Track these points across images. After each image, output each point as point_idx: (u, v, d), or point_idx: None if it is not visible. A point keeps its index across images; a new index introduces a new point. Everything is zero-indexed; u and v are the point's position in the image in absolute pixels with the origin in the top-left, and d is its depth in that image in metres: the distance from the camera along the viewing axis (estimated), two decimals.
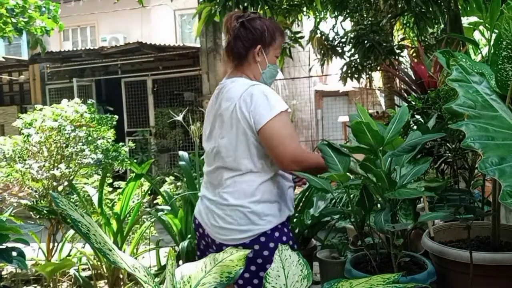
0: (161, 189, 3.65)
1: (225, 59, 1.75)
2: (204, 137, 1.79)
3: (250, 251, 1.46)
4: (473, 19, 4.10)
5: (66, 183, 3.41)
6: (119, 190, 3.55)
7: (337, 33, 5.56)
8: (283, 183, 1.70)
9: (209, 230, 1.69)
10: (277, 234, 1.63)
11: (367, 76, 5.51)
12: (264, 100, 1.56)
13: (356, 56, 5.16)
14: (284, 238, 1.65)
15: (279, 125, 1.55)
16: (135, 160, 4.42)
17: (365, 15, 5.12)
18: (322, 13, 5.17)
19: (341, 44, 5.52)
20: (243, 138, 1.59)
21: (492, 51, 1.29)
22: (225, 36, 1.73)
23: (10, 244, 1.79)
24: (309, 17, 5.30)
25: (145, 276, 0.90)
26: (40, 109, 3.50)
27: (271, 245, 1.61)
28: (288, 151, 1.55)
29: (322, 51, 5.58)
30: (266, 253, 1.61)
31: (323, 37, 5.55)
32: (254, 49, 1.66)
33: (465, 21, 4.13)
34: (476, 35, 4.65)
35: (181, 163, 3.17)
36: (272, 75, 1.73)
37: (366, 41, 4.69)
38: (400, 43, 5.39)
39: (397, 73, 2.74)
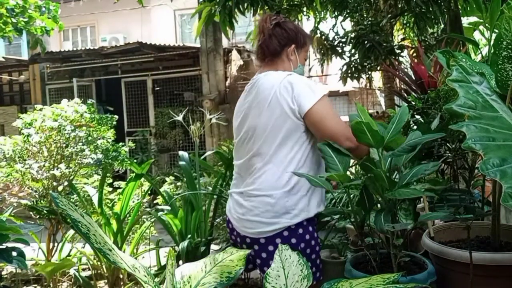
0: (161, 189, 3.65)
1: (257, 58, 1.82)
2: (234, 132, 1.83)
3: (250, 251, 1.46)
4: (473, 19, 4.11)
5: (66, 183, 3.41)
6: (119, 190, 3.55)
7: (337, 33, 5.55)
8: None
9: (235, 224, 1.70)
10: (300, 230, 1.61)
11: (367, 76, 5.50)
12: (305, 86, 1.62)
13: (356, 56, 5.15)
14: (307, 237, 1.63)
15: (326, 107, 1.62)
16: (135, 160, 4.42)
17: (365, 15, 5.12)
18: (322, 13, 5.17)
19: (341, 44, 5.51)
20: (282, 124, 1.62)
21: (492, 51, 1.29)
22: (257, 36, 1.80)
23: (10, 244, 1.79)
24: (309, 17, 5.30)
25: (145, 276, 0.89)
26: (40, 109, 3.50)
27: (293, 240, 1.60)
28: (340, 128, 1.60)
29: (322, 51, 5.57)
30: None
31: (323, 37, 5.54)
32: (289, 48, 1.75)
33: (465, 21, 4.13)
34: (476, 35, 4.65)
35: (181, 163, 3.17)
36: (300, 74, 1.78)
37: (366, 42, 4.69)
38: (400, 43, 5.38)
39: (397, 73, 2.74)
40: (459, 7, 3.44)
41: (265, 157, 1.64)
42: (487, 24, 1.59)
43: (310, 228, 1.64)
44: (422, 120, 1.87)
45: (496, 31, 1.42)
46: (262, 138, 1.65)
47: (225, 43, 7.57)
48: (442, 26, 4.44)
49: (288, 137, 1.62)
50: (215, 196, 3.04)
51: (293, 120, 1.61)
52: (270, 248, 1.61)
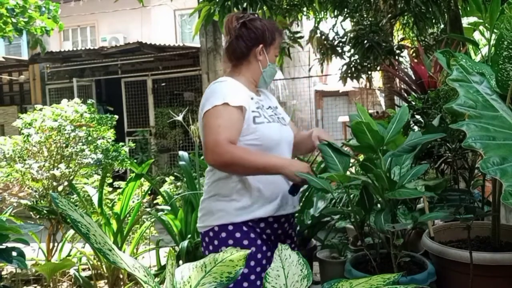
0: (161, 189, 3.65)
1: (224, 60, 1.75)
2: None
3: (251, 250, 1.46)
4: (473, 19, 4.10)
5: (66, 183, 3.41)
6: (119, 190, 3.55)
7: (337, 33, 5.55)
8: (253, 183, 1.58)
9: None
10: (223, 234, 1.57)
11: (367, 76, 5.50)
12: (212, 93, 1.57)
13: (356, 56, 5.15)
14: (231, 242, 1.55)
15: (212, 117, 1.52)
16: (135, 160, 4.42)
17: (365, 15, 5.12)
18: (322, 13, 5.17)
19: (341, 44, 5.52)
20: (201, 132, 1.61)
21: (492, 51, 1.29)
22: (225, 37, 1.73)
23: (10, 244, 1.78)
24: (309, 17, 5.29)
25: (145, 276, 0.89)
26: (40, 109, 3.50)
27: (215, 242, 1.58)
28: (210, 140, 1.49)
29: (322, 51, 5.57)
30: (211, 248, 1.60)
31: (323, 37, 5.54)
32: (256, 48, 1.66)
33: (465, 21, 4.13)
34: (476, 35, 4.65)
35: (181, 163, 3.17)
36: (272, 74, 1.73)
37: (365, 41, 4.69)
38: (400, 43, 5.38)
39: (397, 73, 2.74)
40: (459, 7, 3.44)
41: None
42: (487, 24, 1.59)
43: (238, 234, 1.56)
44: (422, 120, 1.87)
45: (496, 31, 1.42)
46: None
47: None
48: (442, 26, 4.44)
49: None
50: None
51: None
52: (203, 243, 1.65)
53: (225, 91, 1.57)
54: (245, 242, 1.56)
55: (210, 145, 1.48)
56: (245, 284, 1.54)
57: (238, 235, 1.56)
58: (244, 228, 1.57)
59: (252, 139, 1.57)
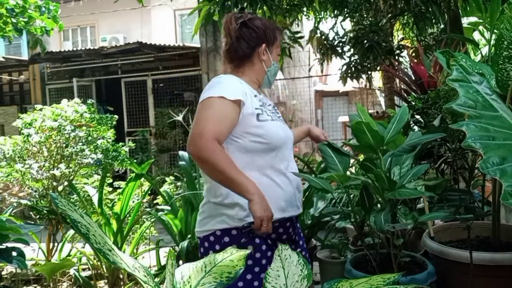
0: (161, 189, 3.65)
1: (224, 61, 1.70)
2: None
3: (251, 251, 1.45)
4: (473, 19, 4.10)
5: (66, 183, 3.41)
6: (119, 190, 3.55)
7: (337, 33, 5.56)
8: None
9: None
10: (226, 239, 1.51)
11: (367, 76, 5.51)
12: (212, 85, 1.53)
13: (356, 56, 5.16)
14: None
15: (204, 107, 1.48)
16: (135, 160, 4.42)
17: (365, 15, 5.12)
18: (322, 13, 5.17)
19: (341, 44, 5.52)
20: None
21: (492, 51, 1.29)
22: (224, 39, 1.68)
23: (10, 244, 1.78)
24: (309, 17, 5.30)
25: (145, 276, 0.89)
26: (40, 109, 3.50)
27: (217, 247, 1.51)
28: (196, 131, 1.45)
29: (322, 51, 5.58)
30: (211, 253, 1.45)
31: (323, 37, 5.55)
32: (259, 48, 1.61)
33: (465, 21, 4.13)
34: (476, 35, 4.65)
35: (181, 163, 3.17)
36: (275, 73, 1.70)
37: (365, 41, 4.70)
38: (400, 43, 5.39)
39: (397, 73, 2.74)
40: (459, 7, 3.44)
41: None
42: (487, 24, 1.59)
43: (242, 240, 1.49)
44: (422, 120, 1.87)
45: (496, 31, 1.42)
46: None
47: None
48: (442, 26, 4.44)
49: None
50: None
51: None
52: (201, 249, 1.57)
53: (224, 84, 1.52)
54: (250, 248, 1.49)
55: (195, 136, 1.44)
56: None
57: (242, 240, 1.49)
58: (252, 233, 1.49)
59: (257, 137, 1.51)
